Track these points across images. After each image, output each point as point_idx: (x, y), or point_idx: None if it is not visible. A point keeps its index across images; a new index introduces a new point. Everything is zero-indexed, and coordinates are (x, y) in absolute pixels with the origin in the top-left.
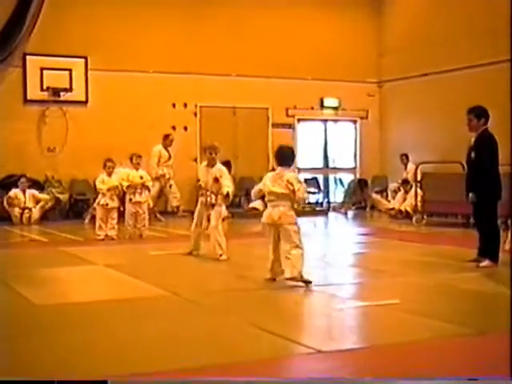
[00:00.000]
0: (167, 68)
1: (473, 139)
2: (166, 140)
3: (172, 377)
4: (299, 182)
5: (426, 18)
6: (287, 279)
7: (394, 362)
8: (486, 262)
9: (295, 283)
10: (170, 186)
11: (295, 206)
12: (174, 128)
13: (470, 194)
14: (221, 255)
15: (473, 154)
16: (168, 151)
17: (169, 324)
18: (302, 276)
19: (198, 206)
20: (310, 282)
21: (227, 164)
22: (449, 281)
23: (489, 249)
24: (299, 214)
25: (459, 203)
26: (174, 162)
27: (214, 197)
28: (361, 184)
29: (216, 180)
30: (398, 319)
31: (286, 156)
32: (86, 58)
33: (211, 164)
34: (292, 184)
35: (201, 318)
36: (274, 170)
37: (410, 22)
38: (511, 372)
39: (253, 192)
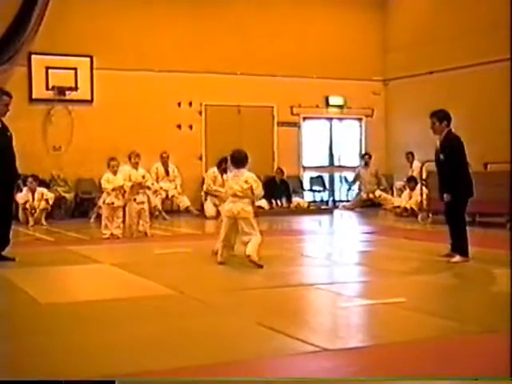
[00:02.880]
0: (172, 67)
1: (438, 142)
2: (161, 158)
3: (177, 375)
4: (256, 180)
5: (431, 15)
6: (246, 256)
7: (400, 361)
8: (456, 258)
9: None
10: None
11: (255, 203)
12: (179, 127)
13: (445, 195)
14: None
15: (441, 156)
16: (167, 167)
17: (175, 323)
18: (255, 258)
19: None
20: (261, 267)
21: (225, 160)
22: (454, 279)
23: (459, 245)
24: (304, 212)
25: None
26: (179, 163)
27: None
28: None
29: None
30: (403, 317)
31: (240, 159)
32: (91, 57)
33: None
34: (249, 182)
35: (207, 317)
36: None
37: (416, 20)
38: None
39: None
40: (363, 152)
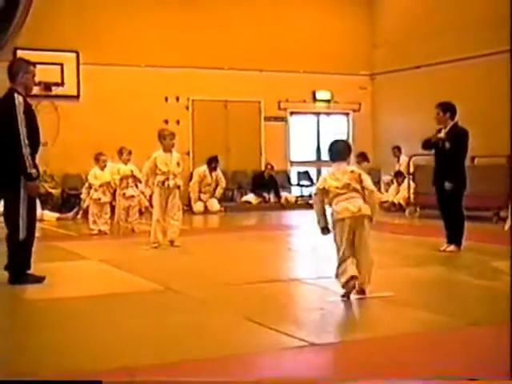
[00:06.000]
0: (159, 62)
1: (444, 131)
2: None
3: (164, 370)
4: (364, 173)
5: (418, 10)
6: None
7: (388, 355)
8: (452, 247)
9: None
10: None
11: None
12: (166, 122)
13: (447, 183)
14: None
15: (447, 145)
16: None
17: (163, 318)
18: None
19: None
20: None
21: (215, 159)
22: (441, 273)
23: (456, 234)
24: (292, 207)
25: None
26: None
27: None
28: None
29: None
30: (391, 312)
31: (340, 150)
32: (77, 53)
33: None
34: (355, 172)
35: (194, 312)
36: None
37: (403, 14)
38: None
39: (314, 200)
40: (359, 151)
